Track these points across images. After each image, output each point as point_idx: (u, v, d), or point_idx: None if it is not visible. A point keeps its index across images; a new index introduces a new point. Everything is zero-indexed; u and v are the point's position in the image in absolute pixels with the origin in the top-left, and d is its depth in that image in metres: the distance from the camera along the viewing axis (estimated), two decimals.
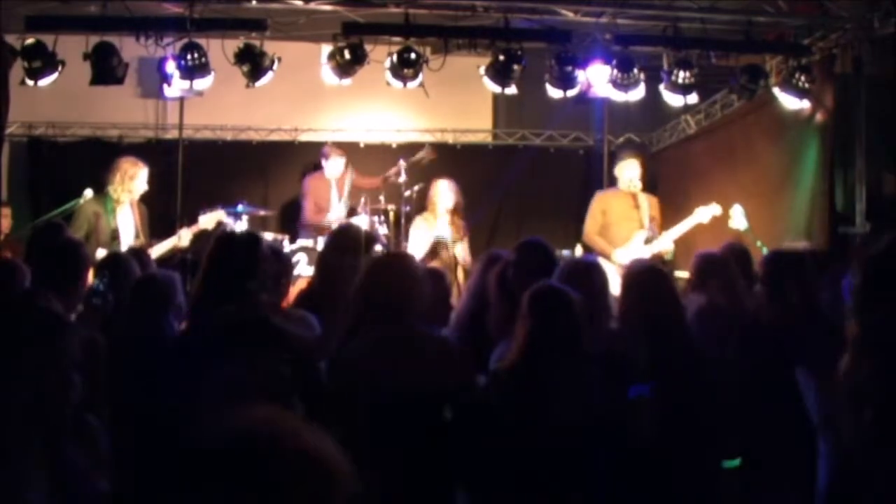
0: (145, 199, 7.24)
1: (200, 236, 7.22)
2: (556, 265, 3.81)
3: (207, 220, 7.18)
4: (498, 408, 3.07)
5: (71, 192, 6.94)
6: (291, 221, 8.82)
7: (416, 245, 7.68)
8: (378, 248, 7.68)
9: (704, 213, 7.43)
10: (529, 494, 2.99)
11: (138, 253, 5.11)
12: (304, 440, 1.05)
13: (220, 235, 3.97)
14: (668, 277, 3.93)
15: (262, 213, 8.63)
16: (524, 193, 9.87)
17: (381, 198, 8.55)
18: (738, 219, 7.09)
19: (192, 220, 7.24)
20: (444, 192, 7.89)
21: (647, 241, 7.44)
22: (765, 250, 5.97)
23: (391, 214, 8.58)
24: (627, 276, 3.84)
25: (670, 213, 8.23)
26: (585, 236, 7.76)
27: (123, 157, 7.01)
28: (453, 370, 3.20)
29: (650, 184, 8.27)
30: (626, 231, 7.53)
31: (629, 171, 7.65)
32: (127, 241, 6.75)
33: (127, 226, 6.82)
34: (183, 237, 7.00)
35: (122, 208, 6.81)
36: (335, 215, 8.21)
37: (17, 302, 3.10)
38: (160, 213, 8.64)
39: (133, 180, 6.79)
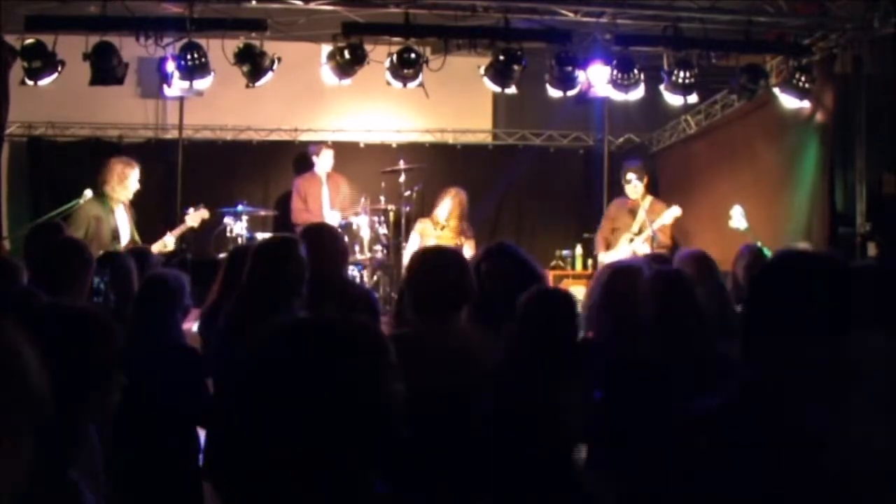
0: (145, 199, 7.24)
1: (190, 235, 7.23)
2: (525, 267, 3.67)
3: (193, 218, 7.24)
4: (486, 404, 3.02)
5: (71, 192, 6.92)
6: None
7: (411, 248, 7.73)
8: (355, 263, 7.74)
9: (667, 215, 7.75)
10: (492, 490, 2.93)
11: (139, 252, 5.07)
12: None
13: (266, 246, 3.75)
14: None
15: (262, 213, 8.65)
16: (524, 193, 9.89)
17: (382, 198, 8.56)
18: (738, 219, 7.09)
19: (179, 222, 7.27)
20: (443, 205, 7.97)
21: (630, 241, 7.87)
22: (766, 251, 5.97)
23: (391, 214, 8.59)
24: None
25: None
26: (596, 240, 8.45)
27: (115, 158, 6.97)
28: None
29: (650, 184, 8.28)
30: (624, 237, 8.04)
31: (631, 184, 7.95)
32: (125, 240, 6.75)
33: (124, 226, 6.82)
34: (168, 243, 6.94)
35: (118, 209, 6.80)
36: (329, 220, 8.18)
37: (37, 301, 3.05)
38: (160, 213, 8.66)
39: (127, 180, 6.76)
